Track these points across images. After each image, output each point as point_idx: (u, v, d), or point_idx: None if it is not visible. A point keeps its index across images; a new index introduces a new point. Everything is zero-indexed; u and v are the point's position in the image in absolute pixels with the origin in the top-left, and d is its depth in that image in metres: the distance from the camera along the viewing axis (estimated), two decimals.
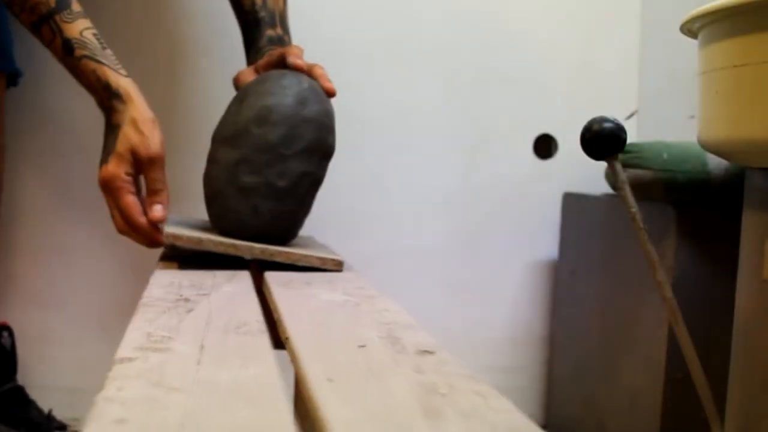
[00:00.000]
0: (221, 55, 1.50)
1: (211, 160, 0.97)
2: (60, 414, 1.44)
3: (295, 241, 1.04)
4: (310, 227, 1.26)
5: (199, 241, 0.88)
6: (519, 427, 0.37)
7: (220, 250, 0.89)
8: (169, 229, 0.90)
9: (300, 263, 0.90)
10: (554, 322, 1.64)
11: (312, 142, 0.94)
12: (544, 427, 1.63)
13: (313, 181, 0.97)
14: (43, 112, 1.50)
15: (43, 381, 1.50)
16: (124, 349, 0.48)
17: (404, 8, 1.59)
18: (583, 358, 1.46)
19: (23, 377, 1.46)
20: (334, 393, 0.41)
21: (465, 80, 1.61)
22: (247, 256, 0.91)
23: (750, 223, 0.86)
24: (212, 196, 0.96)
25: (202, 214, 1.06)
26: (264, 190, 0.92)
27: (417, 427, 0.37)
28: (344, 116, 1.58)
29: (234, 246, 0.89)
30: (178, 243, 0.87)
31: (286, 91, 0.93)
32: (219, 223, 0.96)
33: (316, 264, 0.90)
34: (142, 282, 0.78)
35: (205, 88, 1.52)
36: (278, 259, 0.89)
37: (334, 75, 1.59)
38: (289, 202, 0.94)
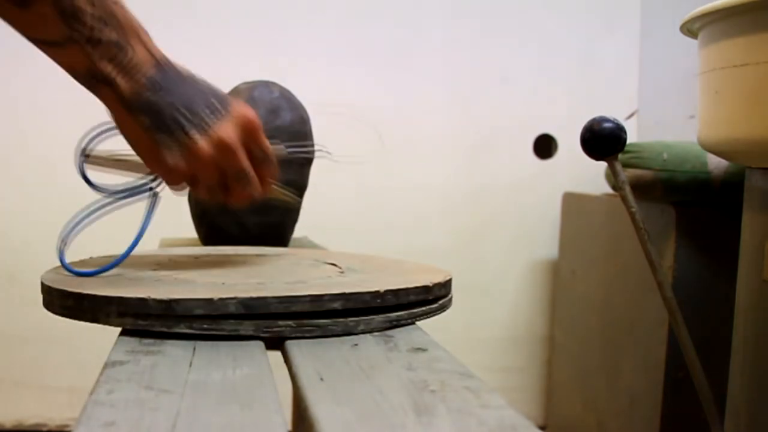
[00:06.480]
0: None
1: None
2: (59, 414, 1.44)
3: (290, 246, 1.03)
4: (310, 229, 1.26)
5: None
6: (510, 422, 0.37)
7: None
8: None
9: None
10: (554, 322, 1.64)
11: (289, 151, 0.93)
12: (543, 427, 1.63)
13: (297, 189, 0.97)
14: None
15: (42, 381, 1.50)
16: (115, 353, 0.48)
17: (404, 8, 1.59)
18: (583, 358, 1.46)
19: (23, 377, 1.46)
20: (326, 392, 0.41)
21: (465, 80, 1.61)
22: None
23: (750, 223, 0.85)
24: (199, 216, 0.96)
25: None
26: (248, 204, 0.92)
27: (408, 424, 0.36)
28: (344, 117, 1.59)
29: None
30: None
31: (257, 103, 0.92)
32: (209, 241, 0.96)
33: None
34: None
35: None
36: None
37: (335, 75, 1.60)
38: (274, 214, 0.94)
